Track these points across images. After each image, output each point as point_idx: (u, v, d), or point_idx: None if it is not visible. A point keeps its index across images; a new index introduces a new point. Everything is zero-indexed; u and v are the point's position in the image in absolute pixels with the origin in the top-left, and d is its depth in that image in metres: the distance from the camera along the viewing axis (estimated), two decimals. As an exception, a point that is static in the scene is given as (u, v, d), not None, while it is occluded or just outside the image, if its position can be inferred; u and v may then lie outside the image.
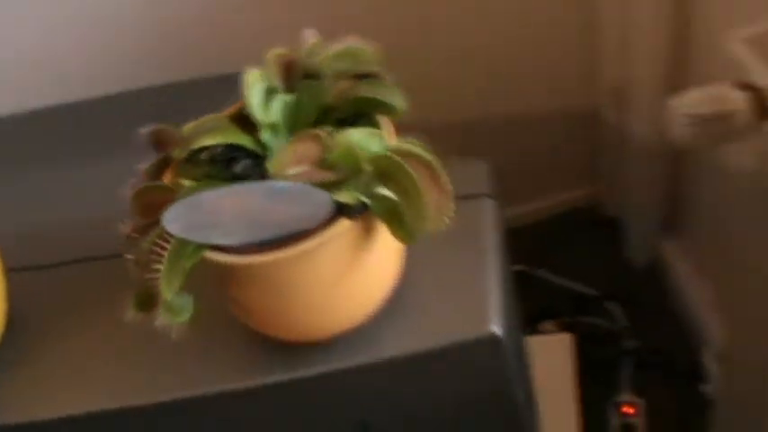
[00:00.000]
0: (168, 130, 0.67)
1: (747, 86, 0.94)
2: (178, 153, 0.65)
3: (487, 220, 0.78)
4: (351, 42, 0.66)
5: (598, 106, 1.60)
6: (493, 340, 0.69)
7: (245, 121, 0.66)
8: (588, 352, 1.45)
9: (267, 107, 0.65)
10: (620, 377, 1.49)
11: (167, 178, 0.66)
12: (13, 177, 0.98)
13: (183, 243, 0.60)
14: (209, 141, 0.64)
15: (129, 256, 0.62)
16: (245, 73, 0.65)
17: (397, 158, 0.57)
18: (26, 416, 0.73)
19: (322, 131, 0.59)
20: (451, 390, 0.74)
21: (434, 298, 0.72)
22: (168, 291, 0.60)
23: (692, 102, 0.96)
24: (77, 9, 1.21)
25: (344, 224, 0.60)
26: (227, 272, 0.64)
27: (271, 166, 0.61)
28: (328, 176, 0.58)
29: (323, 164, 0.59)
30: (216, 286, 0.67)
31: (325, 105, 0.64)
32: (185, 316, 0.62)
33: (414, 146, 0.59)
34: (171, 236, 0.59)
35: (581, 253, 1.72)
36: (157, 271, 0.60)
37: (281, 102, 0.65)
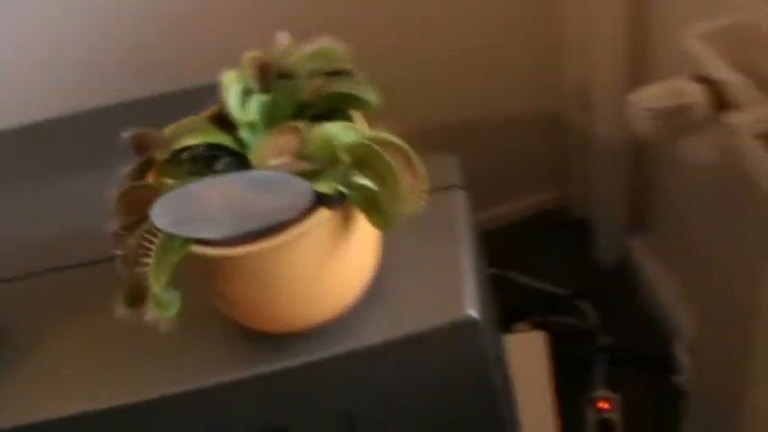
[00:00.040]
0: (149, 133, 0.70)
1: (704, 79, 0.97)
2: (160, 154, 0.69)
3: (460, 211, 0.82)
4: (323, 42, 0.70)
5: (563, 109, 1.64)
6: (470, 323, 0.73)
7: (224, 122, 0.69)
8: (562, 351, 1.48)
9: (245, 107, 0.68)
10: (595, 374, 1.53)
11: (151, 179, 0.69)
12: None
13: (170, 237, 0.63)
14: (190, 141, 0.68)
15: (117, 252, 0.65)
16: (222, 75, 0.69)
17: (374, 145, 0.61)
18: (12, 420, 0.75)
19: (300, 124, 0.63)
20: (433, 375, 0.78)
21: (412, 286, 0.76)
22: (157, 285, 0.63)
23: (651, 96, 1.00)
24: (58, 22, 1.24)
25: (324, 214, 0.64)
26: (211, 265, 0.67)
27: (252, 158, 0.64)
28: (307, 166, 0.61)
29: (302, 155, 0.63)
30: (200, 281, 0.71)
31: (301, 102, 0.68)
32: (173, 310, 0.65)
33: (388, 135, 0.63)
34: (159, 230, 0.63)
35: (551, 254, 1.76)
36: (146, 266, 0.63)
37: (257, 101, 0.69)
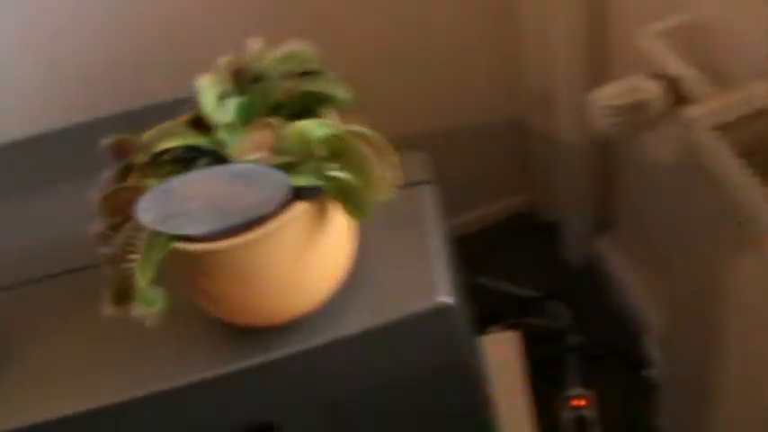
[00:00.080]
0: (129, 139, 0.74)
1: (660, 76, 1.02)
2: (140, 158, 0.72)
3: (430, 204, 0.86)
4: (293, 45, 0.75)
5: (526, 113, 1.69)
6: (444, 308, 0.77)
7: (201, 125, 0.73)
8: (535, 351, 1.52)
9: (221, 109, 0.73)
10: (569, 372, 1.57)
11: (132, 182, 0.73)
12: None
13: (155, 234, 0.67)
14: (169, 144, 0.72)
15: (103, 252, 0.69)
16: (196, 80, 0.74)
17: (346, 137, 0.66)
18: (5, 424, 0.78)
19: (275, 120, 0.67)
20: (412, 361, 0.82)
21: (387, 276, 0.80)
22: (144, 281, 0.67)
23: (609, 94, 1.04)
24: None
25: (302, 206, 0.68)
26: (193, 261, 0.71)
27: (231, 153, 0.68)
28: (284, 159, 0.66)
29: (278, 150, 0.67)
30: (182, 277, 0.74)
31: (275, 103, 0.73)
32: (159, 306, 0.69)
33: (359, 127, 0.68)
34: (143, 228, 0.66)
35: (521, 257, 1.80)
36: (132, 263, 0.67)
37: (233, 103, 0.73)
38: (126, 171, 0.74)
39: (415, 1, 1.46)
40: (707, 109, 0.94)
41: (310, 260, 0.73)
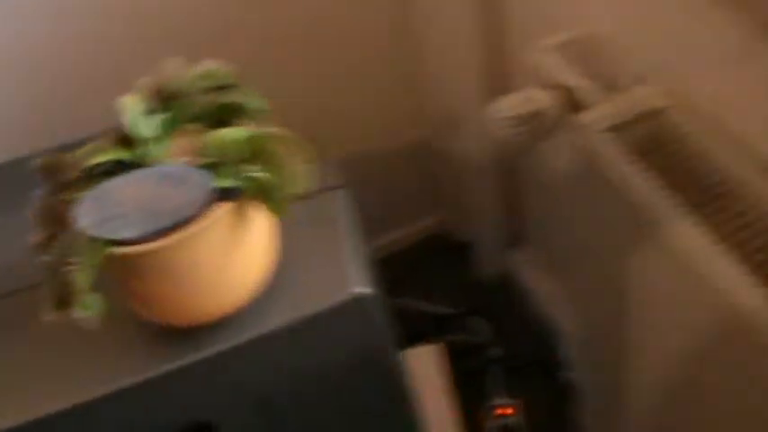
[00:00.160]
0: (60, 156, 0.82)
1: (555, 86, 1.13)
2: (73, 174, 0.81)
3: (343, 207, 0.96)
4: (208, 64, 0.85)
5: (431, 135, 1.79)
6: (361, 299, 0.87)
7: (128, 141, 0.83)
8: (459, 366, 1.63)
9: (147, 124, 0.82)
10: (492, 383, 1.68)
11: (66, 196, 0.81)
12: None
13: (92, 239, 0.75)
14: (99, 159, 0.81)
15: (43, 259, 0.77)
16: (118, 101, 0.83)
17: (263, 138, 0.76)
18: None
19: (197, 126, 0.77)
20: (335, 353, 0.91)
21: (307, 273, 0.89)
22: (85, 285, 0.74)
23: (507, 105, 1.14)
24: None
25: (225, 206, 0.77)
26: (125, 263, 0.78)
27: (157, 161, 0.78)
28: (206, 161, 0.75)
29: (200, 153, 0.77)
30: (115, 281, 0.81)
31: (196, 116, 0.82)
32: (98, 310, 0.76)
33: (273, 128, 0.78)
34: (81, 234, 0.75)
35: (438, 277, 1.92)
36: (71, 269, 0.75)
37: (156, 119, 0.82)
38: (59, 186, 0.83)
39: (312, 34, 1.54)
40: (598, 114, 1.04)
41: (236, 258, 0.82)
